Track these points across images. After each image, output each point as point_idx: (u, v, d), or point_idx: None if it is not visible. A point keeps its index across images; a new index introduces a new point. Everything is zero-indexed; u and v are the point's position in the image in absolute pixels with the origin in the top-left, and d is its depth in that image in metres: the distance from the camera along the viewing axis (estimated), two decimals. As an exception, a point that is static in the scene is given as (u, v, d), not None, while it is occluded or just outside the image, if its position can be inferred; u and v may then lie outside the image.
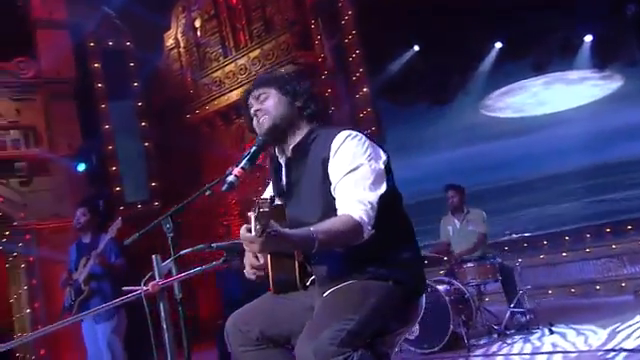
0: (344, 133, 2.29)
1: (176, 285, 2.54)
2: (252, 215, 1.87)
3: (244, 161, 2.28)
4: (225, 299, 6.80)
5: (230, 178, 2.21)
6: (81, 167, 10.48)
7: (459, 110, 10.22)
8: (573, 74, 9.66)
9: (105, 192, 10.55)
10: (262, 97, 2.45)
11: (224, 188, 2.21)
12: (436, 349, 5.73)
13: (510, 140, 9.73)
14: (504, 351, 5.48)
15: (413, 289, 2.32)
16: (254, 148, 2.34)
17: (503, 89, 10.26)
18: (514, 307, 6.17)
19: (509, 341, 5.75)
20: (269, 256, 2.42)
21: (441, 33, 9.43)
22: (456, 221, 6.82)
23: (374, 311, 2.17)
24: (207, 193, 2.41)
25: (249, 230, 1.91)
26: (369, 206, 2.15)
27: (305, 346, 2.08)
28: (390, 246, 2.27)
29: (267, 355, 2.41)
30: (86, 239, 5.52)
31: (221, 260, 2.40)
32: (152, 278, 2.39)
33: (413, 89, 10.29)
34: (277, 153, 2.49)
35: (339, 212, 2.17)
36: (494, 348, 5.66)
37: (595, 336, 5.43)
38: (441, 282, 6.18)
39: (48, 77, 10.76)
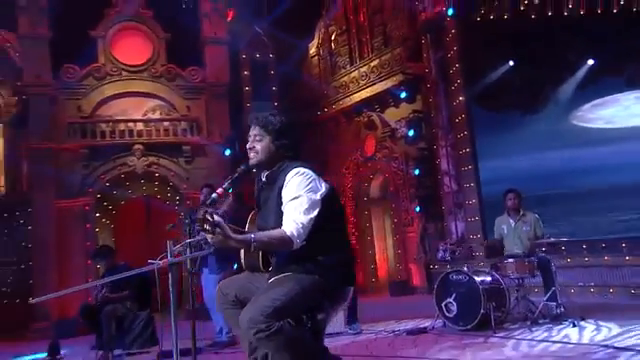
0: (295, 170, 2.71)
1: (188, 262, 3.49)
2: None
3: (226, 184, 2.73)
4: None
5: (213, 195, 2.69)
6: (227, 152, 11.94)
7: (549, 119, 10.15)
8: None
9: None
10: (258, 137, 2.80)
11: (208, 202, 2.67)
12: (469, 327, 6.12)
13: (598, 148, 9.54)
14: (521, 336, 5.67)
15: (334, 282, 2.75)
16: (236, 175, 2.80)
17: (595, 101, 9.99)
18: (547, 300, 6.42)
19: (534, 329, 5.86)
20: None
21: (535, 51, 9.52)
22: (511, 221, 7.03)
23: (297, 296, 2.60)
24: (208, 202, 2.77)
25: None
26: (300, 225, 2.57)
27: (243, 314, 2.55)
28: (320, 251, 2.69)
29: (239, 312, 2.72)
30: (208, 212, 6.87)
31: (211, 249, 2.89)
32: (165, 257, 3.15)
33: (506, 99, 10.35)
34: (260, 177, 2.91)
35: (282, 226, 2.62)
36: (516, 332, 5.83)
37: (606, 332, 5.44)
38: (482, 273, 6.62)
39: (210, 82, 12.58)
